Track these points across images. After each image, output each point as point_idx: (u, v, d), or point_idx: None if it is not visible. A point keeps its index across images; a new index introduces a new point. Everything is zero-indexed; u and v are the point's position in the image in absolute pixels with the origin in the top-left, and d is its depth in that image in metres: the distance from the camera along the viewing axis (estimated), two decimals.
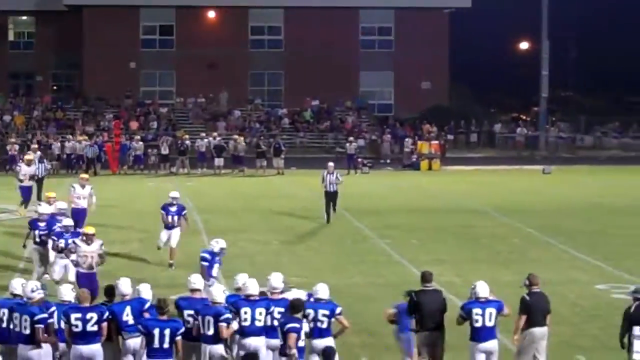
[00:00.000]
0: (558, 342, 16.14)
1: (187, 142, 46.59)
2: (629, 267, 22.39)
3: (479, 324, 13.36)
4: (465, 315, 13.44)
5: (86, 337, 12.86)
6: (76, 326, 12.84)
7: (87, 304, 13.08)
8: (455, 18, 65.52)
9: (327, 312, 13.22)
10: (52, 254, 18.98)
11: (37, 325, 12.71)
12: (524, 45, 67.17)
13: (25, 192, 30.01)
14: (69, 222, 19.24)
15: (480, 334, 13.39)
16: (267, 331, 13.33)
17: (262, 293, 14.12)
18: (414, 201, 35.10)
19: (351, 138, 49.86)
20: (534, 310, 13.76)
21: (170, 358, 12.59)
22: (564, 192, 38.38)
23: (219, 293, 13.33)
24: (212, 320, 13.03)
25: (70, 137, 47.46)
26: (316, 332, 13.17)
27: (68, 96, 63.19)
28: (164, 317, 12.72)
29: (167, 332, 12.53)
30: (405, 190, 39.29)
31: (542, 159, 53.03)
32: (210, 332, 13.05)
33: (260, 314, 13.25)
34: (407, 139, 52.18)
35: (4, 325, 13.10)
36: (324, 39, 61.86)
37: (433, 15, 63.59)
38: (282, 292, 13.81)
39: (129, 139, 47.98)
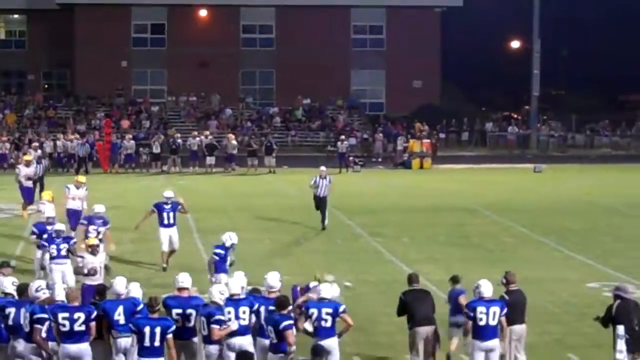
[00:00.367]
0: (550, 341, 16.18)
1: (179, 140, 46.53)
2: (620, 265, 22.43)
3: (482, 322, 13.38)
4: (471, 313, 13.44)
5: (74, 337, 12.82)
6: (63, 325, 12.81)
7: (76, 304, 13.05)
8: (447, 17, 65.61)
9: (330, 311, 13.21)
10: (45, 260, 18.56)
11: (36, 325, 12.70)
12: (515, 44, 67.23)
13: (27, 193, 29.88)
14: (60, 227, 18.93)
15: (482, 333, 13.40)
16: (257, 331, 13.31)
17: (255, 290, 14.14)
18: (405, 200, 35.11)
19: (342, 137, 49.83)
20: (513, 308, 13.84)
21: (161, 357, 12.57)
22: (555, 191, 38.43)
23: (216, 293, 13.29)
24: (205, 320, 13.03)
25: (61, 135, 47.34)
26: (320, 332, 13.15)
27: (59, 95, 63.10)
28: (155, 316, 12.71)
29: (157, 330, 12.52)
30: (396, 188, 39.30)
31: (534, 158, 53.09)
32: (205, 332, 13.05)
33: (244, 312, 13.18)
34: (399, 138, 52.19)
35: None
36: (315, 37, 61.87)
37: (424, 13, 63.64)
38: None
39: (120, 137, 47.89)
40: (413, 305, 13.98)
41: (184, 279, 13.71)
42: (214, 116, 59.74)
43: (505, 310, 13.55)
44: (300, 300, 14.18)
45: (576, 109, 66.40)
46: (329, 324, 13.18)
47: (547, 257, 23.82)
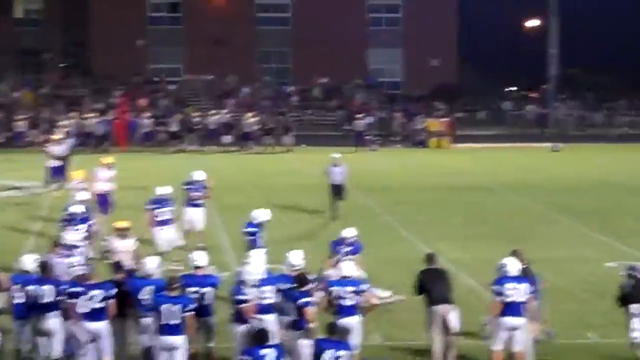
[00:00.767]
0: (568, 320, 16.15)
1: (197, 119, 46.52)
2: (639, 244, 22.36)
3: (510, 299, 13.16)
4: (498, 291, 13.22)
5: (92, 315, 12.83)
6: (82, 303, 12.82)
7: (93, 281, 13.06)
8: None
9: (353, 289, 13.21)
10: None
11: (69, 300, 12.77)
12: (533, 23, 66.82)
13: (56, 172, 29.79)
14: (77, 208, 18.57)
15: (508, 310, 13.18)
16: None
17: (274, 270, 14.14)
18: (422, 179, 35.06)
19: (359, 115, 49.69)
20: None
21: (181, 334, 12.57)
22: (573, 170, 38.30)
23: (247, 271, 13.19)
24: (234, 299, 13.00)
25: (78, 114, 47.34)
26: (342, 310, 13.12)
27: (76, 73, 63.12)
28: (174, 293, 12.71)
29: (177, 308, 12.53)
30: (413, 167, 39.25)
31: (551, 137, 52.88)
32: (233, 310, 13.06)
33: (267, 291, 13.11)
34: (418, 116, 52.01)
35: (22, 300, 13.11)
36: (331, 16, 61.62)
37: None
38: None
39: (137, 115, 47.87)
40: (430, 285, 13.95)
41: (199, 258, 13.71)
42: (231, 95, 59.68)
43: (534, 288, 13.41)
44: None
45: (594, 88, 66.03)
46: (350, 302, 13.17)
47: (565, 236, 23.75)
